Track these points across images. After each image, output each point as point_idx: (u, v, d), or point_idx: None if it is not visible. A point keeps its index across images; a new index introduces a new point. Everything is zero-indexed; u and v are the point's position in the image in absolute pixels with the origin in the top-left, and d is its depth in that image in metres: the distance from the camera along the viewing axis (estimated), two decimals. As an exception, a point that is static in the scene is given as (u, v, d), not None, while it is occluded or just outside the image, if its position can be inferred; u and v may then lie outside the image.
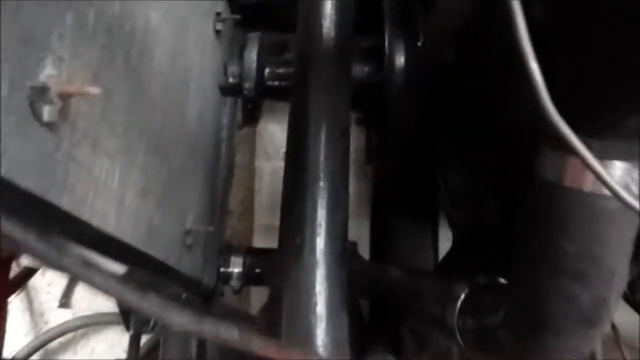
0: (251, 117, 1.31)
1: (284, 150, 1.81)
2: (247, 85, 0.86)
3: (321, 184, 0.61)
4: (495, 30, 0.54)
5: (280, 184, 1.96)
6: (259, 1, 1.45)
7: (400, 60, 0.82)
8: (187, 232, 0.97)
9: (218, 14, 1.14)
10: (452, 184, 0.90)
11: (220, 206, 1.25)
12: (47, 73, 0.48)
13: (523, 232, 0.51)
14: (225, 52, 1.29)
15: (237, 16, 1.18)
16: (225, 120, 1.30)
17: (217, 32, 1.16)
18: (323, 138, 0.62)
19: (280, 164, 1.89)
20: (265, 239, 1.66)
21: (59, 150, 0.51)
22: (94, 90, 0.49)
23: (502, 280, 0.64)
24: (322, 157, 0.62)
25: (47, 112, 0.47)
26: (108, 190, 0.63)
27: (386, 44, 0.82)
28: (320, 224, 0.61)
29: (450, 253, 0.99)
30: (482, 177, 0.73)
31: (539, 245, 0.49)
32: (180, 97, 0.93)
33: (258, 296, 1.55)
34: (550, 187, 0.47)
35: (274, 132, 1.71)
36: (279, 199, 1.83)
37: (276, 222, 1.77)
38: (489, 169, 0.71)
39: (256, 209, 1.68)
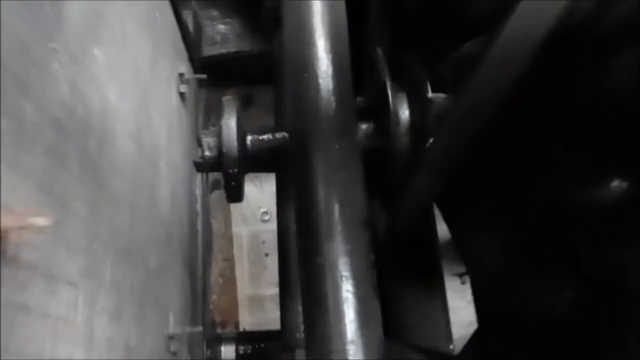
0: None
1: (262, 211, 1.68)
2: (228, 158, 0.72)
3: (345, 291, 0.48)
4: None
5: (262, 248, 1.80)
6: (222, 56, 1.34)
7: (406, 117, 0.70)
8: (171, 338, 0.81)
9: (181, 75, 1.02)
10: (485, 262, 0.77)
11: (202, 292, 1.10)
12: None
13: None
14: (191, 116, 1.16)
15: (202, 76, 1.06)
16: (198, 192, 1.17)
17: (181, 95, 1.04)
18: (340, 234, 0.49)
19: (260, 227, 1.75)
20: (252, 313, 1.51)
21: (-3, 303, 0.37)
22: (40, 221, 0.35)
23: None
24: (341, 258, 0.48)
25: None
26: (71, 328, 0.49)
27: (390, 100, 0.70)
28: (351, 343, 0.47)
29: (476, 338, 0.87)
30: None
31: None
32: (150, 180, 0.79)
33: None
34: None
35: (249, 193, 1.57)
36: (262, 266, 1.67)
37: (262, 291, 1.62)
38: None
39: (238, 280, 1.53)
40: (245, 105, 1.67)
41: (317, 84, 0.56)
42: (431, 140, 0.65)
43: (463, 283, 1.55)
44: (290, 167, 0.66)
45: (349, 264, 0.49)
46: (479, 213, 0.70)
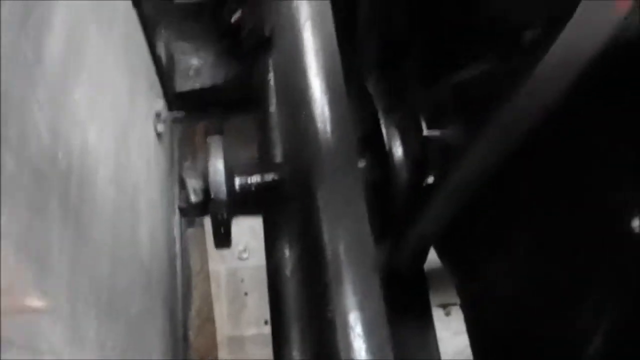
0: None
1: (240, 248, 1.63)
2: (217, 203, 0.68)
3: (356, 347, 0.44)
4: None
5: (240, 286, 1.75)
6: (196, 91, 1.30)
7: (399, 150, 0.68)
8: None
9: (158, 114, 0.98)
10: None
11: (183, 336, 1.04)
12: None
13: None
14: (167, 152, 1.12)
15: (180, 113, 1.02)
16: (176, 231, 1.12)
17: (159, 134, 0.99)
18: (350, 283, 0.46)
19: (238, 264, 1.69)
20: (233, 353, 1.45)
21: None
22: (37, 304, 0.31)
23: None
24: (352, 313, 0.45)
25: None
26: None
27: (383, 130, 0.67)
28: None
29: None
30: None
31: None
32: (130, 222, 0.75)
33: None
34: None
35: (226, 228, 1.52)
36: (241, 304, 1.62)
37: (242, 331, 1.56)
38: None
39: (217, 319, 1.47)
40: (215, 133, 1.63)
41: (316, 124, 0.53)
42: (432, 178, 0.62)
43: (447, 314, 1.52)
44: (285, 209, 0.62)
45: (360, 318, 0.46)
46: (494, 235, 0.66)
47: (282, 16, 0.62)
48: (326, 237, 0.49)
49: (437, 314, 1.49)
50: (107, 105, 0.67)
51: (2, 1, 0.39)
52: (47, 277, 0.45)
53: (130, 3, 0.88)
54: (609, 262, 0.46)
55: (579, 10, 0.31)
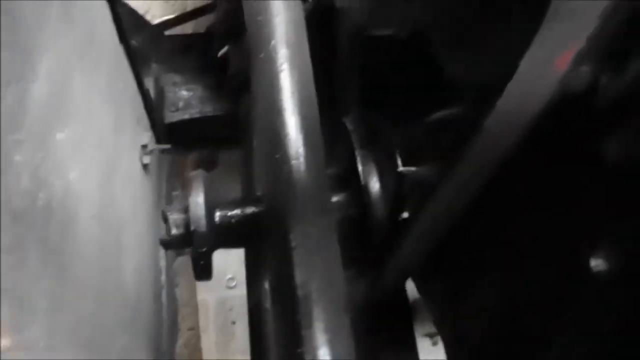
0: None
1: (228, 277, 1.63)
2: (198, 236, 0.69)
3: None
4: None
5: (229, 315, 1.75)
6: (185, 122, 1.33)
7: (377, 189, 0.69)
8: None
9: (144, 146, 0.99)
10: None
11: (168, 368, 1.05)
12: None
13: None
14: (155, 185, 1.13)
15: (166, 146, 1.04)
16: (163, 263, 1.13)
17: (145, 165, 1.01)
18: (321, 323, 0.47)
19: (226, 293, 1.69)
20: (219, 384, 1.44)
21: None
22: (7, 341, 0.32)
23: None
24: (322, 349, 0.46)
25: None
26: None
27: (360, 173, 0.69)
28: None
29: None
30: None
31: None
32: (115, 259, 0.76)
33: None
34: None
35: (214, 258, 1.53)
36: (229, 334, 1.62)
37: (230, 361, 1.55)
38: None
39: (205, 349, 1.47)
40: (209, 168, 1.65)
41: (290, 165, 0.55)
42: (407, 214, 0.64)
43: (435, 344, 1.52)
44: (263, 245, 0.63)
45: (330, 355, 0.47)
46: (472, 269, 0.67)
47: (261, 57, 0.65)
48: (298, 276, 0.50)
49: (424, 344, 1.49)
50: (91, 143, 0.69)
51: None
52: (24, 316, 0.46)
53: (117, 39, 0.91)
54: (571, 304, 0.48)
55: (521, 66, 0.33)
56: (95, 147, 0.70)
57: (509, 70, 0.31)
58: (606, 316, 0.43)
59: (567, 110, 0.34)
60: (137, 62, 0.99)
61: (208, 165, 1.65)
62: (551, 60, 0.31)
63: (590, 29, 0.30)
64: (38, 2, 0.54)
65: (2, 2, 0.46)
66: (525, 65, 0.31)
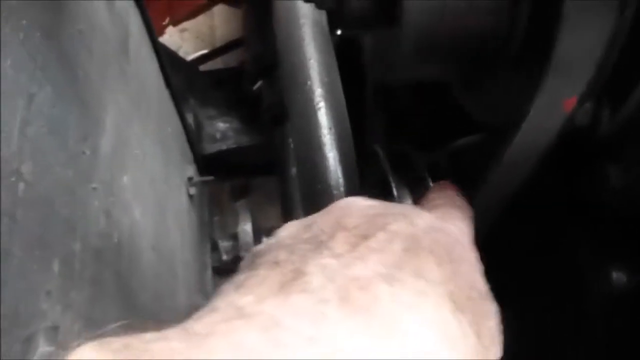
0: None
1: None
2: (246, 262, 0.75)
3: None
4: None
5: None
6: (222, 153, 1.40)
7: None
8: None
9: (190, 179, 1.06)
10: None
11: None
12: (42, 351, 0.37)
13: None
14: (198, 214, 1.20)
15: (209, 178, 1.11)
16: (209, 288, 1.19)
17: (191, 197, 1.08)
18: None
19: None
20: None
21: None
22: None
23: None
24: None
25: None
26: None
27: (395, 191, 0.75)
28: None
29: None
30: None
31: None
32: (170, 287, 0.82)
33: None
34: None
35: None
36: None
37: None
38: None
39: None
40: (242, 194, 1.72)
41: (332, 195, 0.61)
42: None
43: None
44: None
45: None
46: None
47: (298, 97, 0.71)
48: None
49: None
50: (147, 181, 0.76)
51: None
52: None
53: (162, 83, 0.98)
54: (577, 330, 0.51)
55: (534, 108, 0.38)
56: (150, 184, 0.77)
57: (522, 111, 0.36)
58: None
59: (574, 139, 0.39)
60: (178, 100, 1.07)
61: (241, 192, 1.72)
62: (559, 104, 0.36)
63: (589, 76, 0.35)
64: (99, 62, 0.62)
65: (69, 62, 0.53)
66: (536, 108, 0.36)
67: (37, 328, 0.37)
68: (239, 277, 0.29)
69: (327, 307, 0.24)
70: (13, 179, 0.36)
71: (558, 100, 0.35)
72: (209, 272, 1.19)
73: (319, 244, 0.30)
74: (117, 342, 0.23)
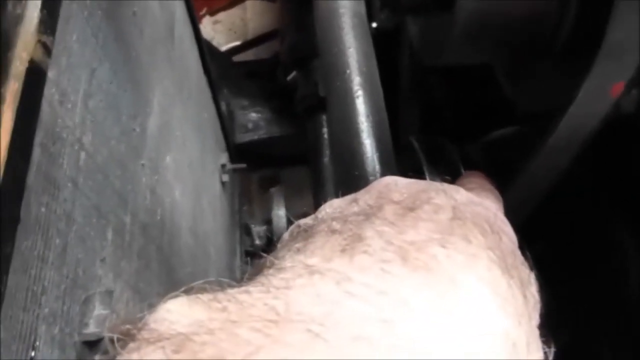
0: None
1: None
2: (280, 246, 0.77)
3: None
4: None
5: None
6: (254, 142, 1.42)
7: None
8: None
9: (223, 166, 1.08)
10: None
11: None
12: (97, 314, 0.39)
13: None
14: (230, 200, 1.22)
15: (242, 165, 1.13)
16: (238, 274, 1.21)
17: (223, 183, 1.10)
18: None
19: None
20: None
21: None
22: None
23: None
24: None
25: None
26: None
27: (428, 179, 0.75)
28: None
29: None
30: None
31: None
32: (204, 268, 0.84)
33: None
34: None
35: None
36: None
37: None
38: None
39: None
40: (271, 185, 1.74)
41: (368, 181, 0.62)
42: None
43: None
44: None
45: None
46: None
47: (337, 85, 0.72)
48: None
49: None
50: (186, 165, 0.78)
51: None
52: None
53: (201, 70, 1.01)
54: (616, 325, 0.52)
55: (582, 92, 0.38)
56: (189, 167, 0.79)
57: (569, 97, 0.37)
58: None
59: (619, 126, 0.40)
60: (215, 88, 1.09)
61: (270, 183, 1.74)
62: (607, 89, 0.36)
63: (638, 62, 0.35)
64: (149, 44, 0.64)
65: (124, 42, 0.55)
66: (585, 91, 0.37)
67: (94, 291, 0.39)
68: (294, 245, 0.30)
69: (390, 265, 0.25)
70: (76, 147, 0.38)
71: (606, 85, 0.36)
72: (238, 258, 1.21)
73: (368, 215, 0.31)
74: (204, 296, 0.25)
